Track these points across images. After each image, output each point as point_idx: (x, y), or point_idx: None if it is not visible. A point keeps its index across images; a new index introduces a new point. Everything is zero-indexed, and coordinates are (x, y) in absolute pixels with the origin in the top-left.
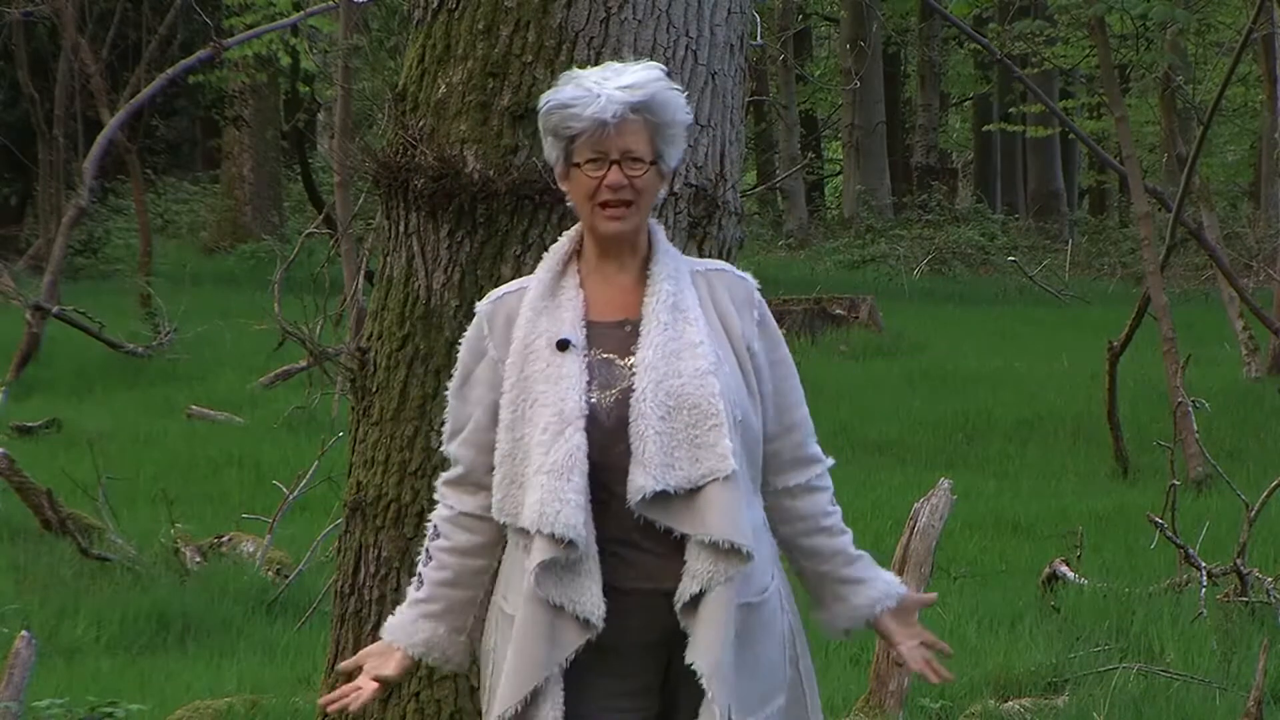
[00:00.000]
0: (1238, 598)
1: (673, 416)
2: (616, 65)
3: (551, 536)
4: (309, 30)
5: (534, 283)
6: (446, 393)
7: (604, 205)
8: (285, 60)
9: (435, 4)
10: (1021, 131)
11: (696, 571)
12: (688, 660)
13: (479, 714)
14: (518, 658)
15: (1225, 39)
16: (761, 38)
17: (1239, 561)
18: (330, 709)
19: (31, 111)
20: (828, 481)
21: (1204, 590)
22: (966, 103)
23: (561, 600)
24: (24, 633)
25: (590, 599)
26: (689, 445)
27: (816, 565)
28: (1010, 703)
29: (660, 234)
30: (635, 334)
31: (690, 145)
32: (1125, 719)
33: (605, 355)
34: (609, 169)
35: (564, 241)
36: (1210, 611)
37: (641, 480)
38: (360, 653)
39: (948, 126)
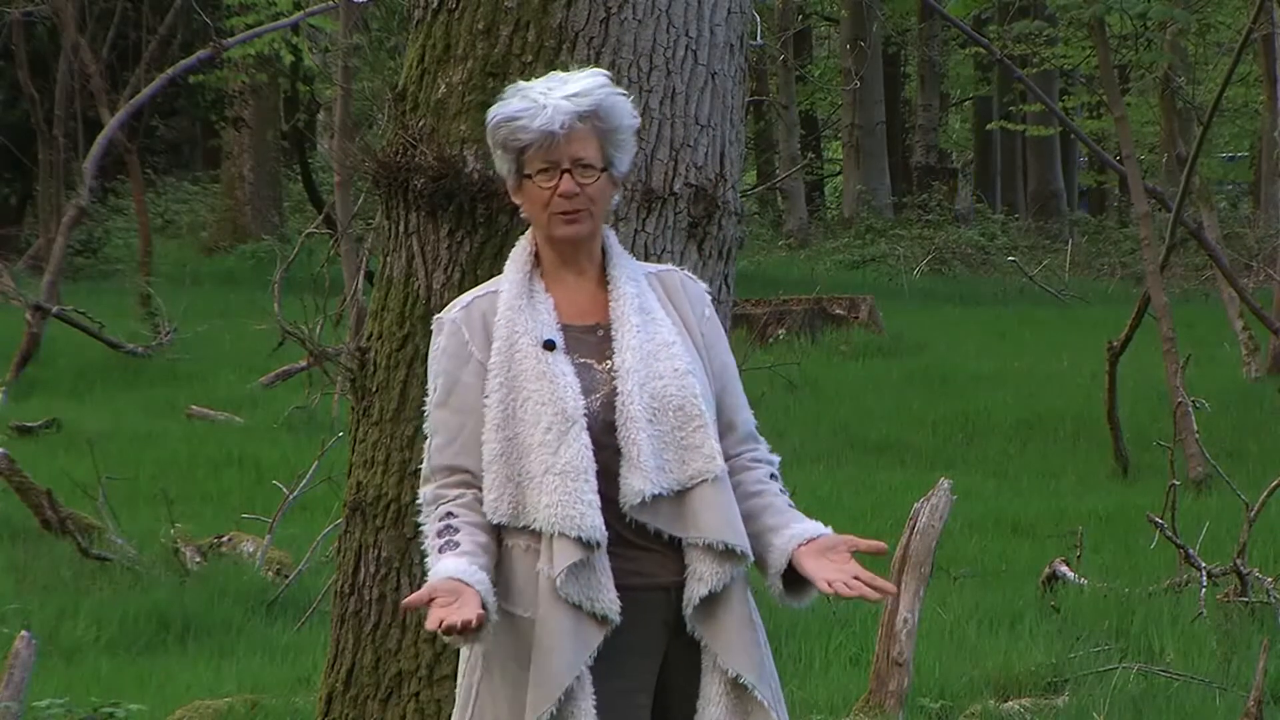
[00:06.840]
0: (1238, 598)
1: (659, 419)
2: (561, 75)
3: (578, 540)
4: (309, 30)
5: (506, 284)
6: (426, 408)
7: (560, 213)
8: (287, 59)
9: (435, 4)
10: (1022, 131)
11: (703, 574)
12: (727, 668)
13: None
14: (545, 660)
15: (1225, 39)
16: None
17: (1239, 561)
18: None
19: (31, 111)
20: (770, 470)
21: (1204, 590)
22: (966, 103)
23: (580, 599)
24: (24, 633)
25: (607, 595)
26: (676, 447)
27: (750, 526)
28: (1010, 703)
29: (613, 239)
30: (608, 338)
31: (690, 145)
32: (1125, 719)
33: (583, 359)
34: (560, 177)
35: (523, 245)
36: (1210, 611)
37: (639, 484)
38: (426, 589)
39: (948, 126)
